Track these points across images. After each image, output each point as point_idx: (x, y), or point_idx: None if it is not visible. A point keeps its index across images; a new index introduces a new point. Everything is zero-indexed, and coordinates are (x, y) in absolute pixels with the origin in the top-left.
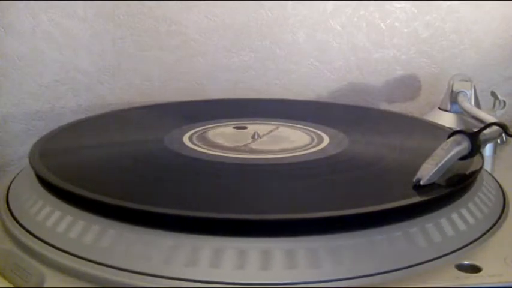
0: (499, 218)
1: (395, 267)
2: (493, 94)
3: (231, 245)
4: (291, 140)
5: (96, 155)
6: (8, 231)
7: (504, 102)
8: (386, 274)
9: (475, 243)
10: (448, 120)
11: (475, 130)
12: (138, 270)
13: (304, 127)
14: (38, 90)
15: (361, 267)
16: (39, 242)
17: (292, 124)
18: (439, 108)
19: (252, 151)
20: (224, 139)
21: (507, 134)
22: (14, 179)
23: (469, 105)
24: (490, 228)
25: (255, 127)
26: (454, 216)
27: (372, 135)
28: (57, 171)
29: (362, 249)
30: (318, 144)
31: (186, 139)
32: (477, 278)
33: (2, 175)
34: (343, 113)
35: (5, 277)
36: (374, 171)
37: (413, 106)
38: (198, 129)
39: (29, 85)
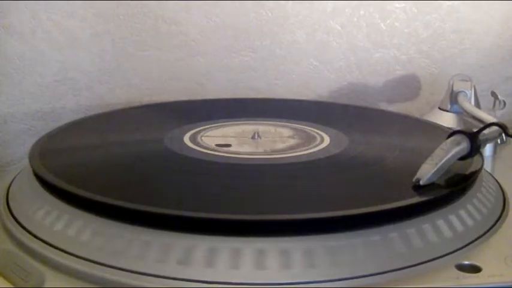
0: (499, 218)
1: (395, 267)
2: (493, 94)
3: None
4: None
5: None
6: (8, 231)
7: (504, 102)
8: (386, 274)
9: (475, 243)
10: (448, 120)
11: (475, 130)
12: (138, 270)
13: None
14: (38, 90)
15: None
16: (39, 242)
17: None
18: (439, 108)
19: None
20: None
21: (507, 134)
22: (14, 179)
23: (469, 105)
24: (490, 228)
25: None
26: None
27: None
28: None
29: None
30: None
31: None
32: (477, 278)
33: (2, 175)
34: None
35: (5, 277)
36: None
37: (413, 106)
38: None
39: (29, 85)
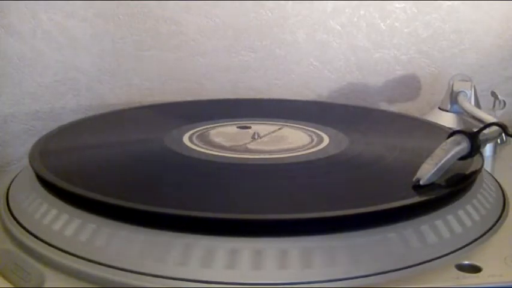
0: (499, 218)
1: (395, 267)
2: (493, 94)
3: (230, 245)
4: (291, 140)
5: (96, 155)
6: (8, 231)
7: (504, 102)
8: (386, 274)
9: (475, 243)
10: (448, 120)
11: (475, 130)
12: (139, 270)
13: (304, 127)
14: (38, 90)
15: (360, 268)
16: (39, 242)
17: (292, 124)
18: (439, 108)
19: (252, 151)
20: (224, 139)
21: (507, 134)
22: (14, 179)
23: (469, 105)
24: (490, 228)
25: (255, 127)
26: (454, 216)
27: (372, 135)
28: (57, 171)
29: (361, 249)
30: (318, 144)
31: (186, 139)
32: (477, 278)
33: (2, 175)
34: (343, 113)
35: (5, 277)
36: (374, 171)
37: (413, 106)
38: (198, 129)
39: (29, 85)
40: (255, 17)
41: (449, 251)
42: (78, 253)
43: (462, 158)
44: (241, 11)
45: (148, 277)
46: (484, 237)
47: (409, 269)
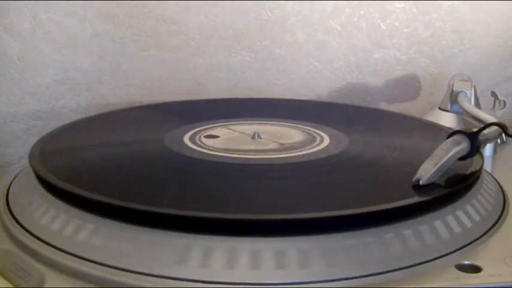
0: (499, 218)
1: (395, 267)
2: (493, 94)
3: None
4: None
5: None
6: (8, 231)
7: (504, 102)
8: (386, 274)
9: (475, 243)
10: (448, 120)
11: (475, 130)
12: (139, 270)
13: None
14: (38, 90)
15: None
16: (39, 242)
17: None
18: (439, 108)
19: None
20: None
21: (506, 134)
22: (14, 179)
23: (469, 105)
24: (490, 228)
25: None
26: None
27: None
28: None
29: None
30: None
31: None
32: (477, 278)
33: (2, 175)
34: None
35: (5, 277)
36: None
37: (413, 106)
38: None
39: (29, 85)
40: (255, 17)
41: (449, 251)
42: (78, 253)
43: (462, 158)
44: (241, 11)
45: (148, 277)
46: (484, 237)
47: (409, 269)
